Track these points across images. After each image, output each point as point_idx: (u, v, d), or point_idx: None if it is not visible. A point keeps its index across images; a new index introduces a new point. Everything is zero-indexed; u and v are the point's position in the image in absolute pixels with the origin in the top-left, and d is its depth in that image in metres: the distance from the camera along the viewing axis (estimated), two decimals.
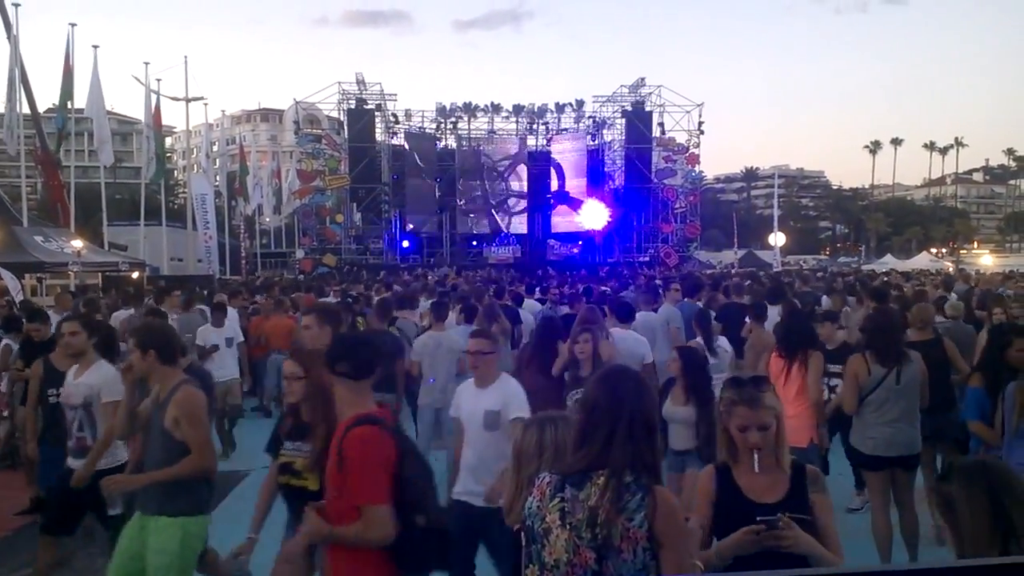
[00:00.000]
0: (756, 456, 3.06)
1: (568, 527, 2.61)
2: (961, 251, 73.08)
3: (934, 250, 64.47)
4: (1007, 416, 5.44)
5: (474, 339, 5.45)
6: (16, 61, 26.55)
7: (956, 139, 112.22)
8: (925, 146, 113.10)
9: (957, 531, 2.51)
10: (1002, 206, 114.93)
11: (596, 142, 49.66)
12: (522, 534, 2.80)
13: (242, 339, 11.40)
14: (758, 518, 2.85)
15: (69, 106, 29.50)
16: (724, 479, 3.17)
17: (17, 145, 27.20)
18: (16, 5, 26.99)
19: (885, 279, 22.06)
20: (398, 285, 19.51)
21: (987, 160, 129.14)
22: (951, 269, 38.93)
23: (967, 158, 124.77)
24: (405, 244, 47.54)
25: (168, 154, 43.52)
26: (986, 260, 48.52)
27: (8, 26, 27.00)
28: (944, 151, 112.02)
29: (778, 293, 11.67)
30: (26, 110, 27.98)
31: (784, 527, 2.82)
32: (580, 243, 48.81)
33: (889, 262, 48.87)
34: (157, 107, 34.11)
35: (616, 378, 2.86)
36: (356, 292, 17.55)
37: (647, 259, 44.49)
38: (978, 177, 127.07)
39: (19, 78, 26.63)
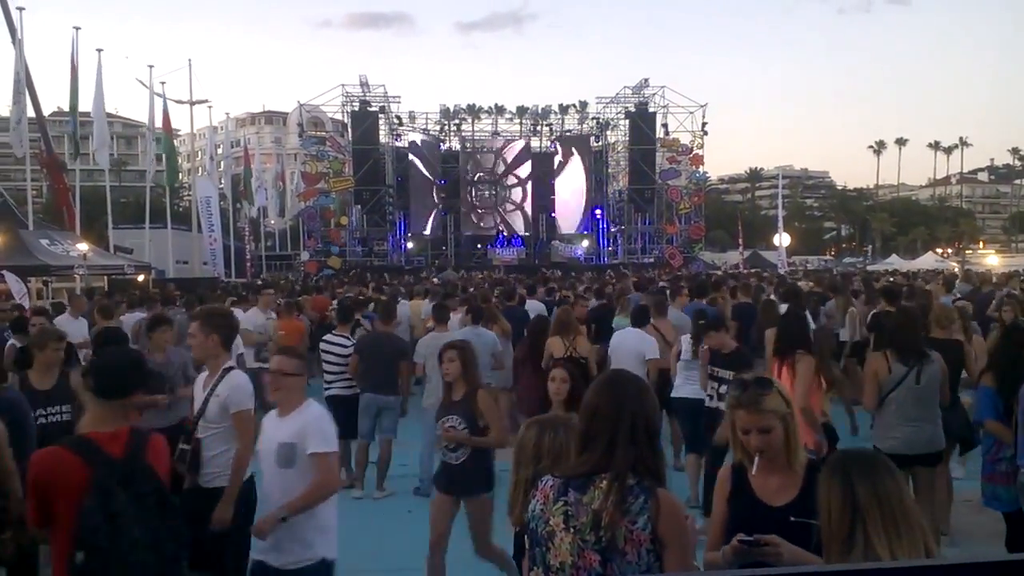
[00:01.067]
0: (757, 459, 3.06)
1: (572, 530, 2.63)
2: (967, 251, 72.83)
3: (939, 250, 64.21)
4: (1021, 418, 5.40)
5: (278, 357, 4.55)
6: (21, 65, 26.63)
7: (961, 139, 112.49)
8: (930, 146, 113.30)
9: (821, 515, 2.58)
10: (1007, 206, 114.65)
11: (600, 143, 49.71)
12: (525, 536, 2.82)
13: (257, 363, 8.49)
14: (738, 539, 2.84)
15: (78, 110, 29.61)
16: (738, 479, 3.18)
17: (23, 149, 27.27)
18: (20, 9, 27.09)
19: (890, 279, 22.03)
20: (403, 287, 19.50)
21: (992, 160, 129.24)
22: (956, 269, 38.80)
23: (972, 158, 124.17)
24: (410, 246, 47.65)
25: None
26: (992, 260, 48.35)
27: (12, 30, 27.08)
28: (949, 151, 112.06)
29: (793, 296, 11.78)
30: (31, 113, 28.06)
31: (765, 544, 2.81)
32: (584, 244, 48.88)
33: (894, 262, 48.70)
34: (165, 111, 34.22)
35: (617, 383, 2.87)
36: (355, 294, 17.51)
37: (652, 260, 44.51)
38: (983, 177, 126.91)
39: (24, 82, 26.71)
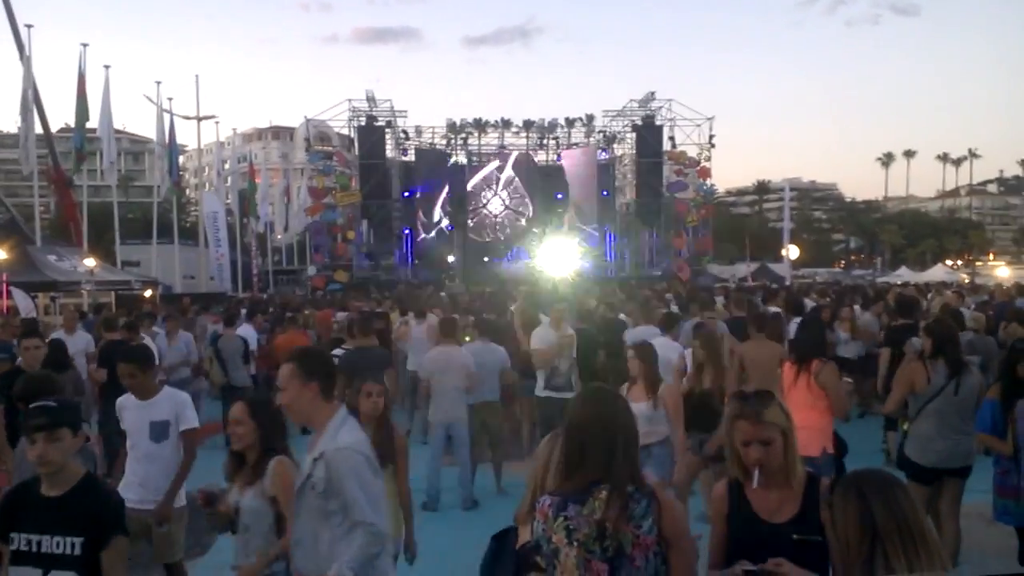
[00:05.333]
0: (757, 472, 3.02)
1: (575, 544, 2.66)
2: (976, 263, 72.60)
3: (949, 262, 64.00)
4: (1019, 433, 5.57)
5: None
6: (29, 82, 26.73)
7: (970, 150, 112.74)
8: (938, 158, 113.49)
9: (835, 535, 2.58)
10: (1017, 217, 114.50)
11: (607, 156, 49.71)
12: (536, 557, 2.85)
13: (194, 424, 5.57)
14: (743, 571, 2.80)
15: (86, 126, 29.67)
16: (736, 495, 3.14)
17: (31, 165, 27.36)
18: (29, 26, 27.23)
19: (900, 290, 21.87)
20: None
21: (1001, 171, 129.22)
22: (966, 281, 38.64)
23: (981, 170, 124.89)
24: (416, 260, 47.68)
25: (180, 172, 43.71)
26: (1002, 272, 48.14)
27: (20, 47, 27.22)
28: (958, 163, 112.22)
29: (797, 307, 11.73)
30: (39, 130, 28.15)
31: (774, 569, 2.76)
32: (591, 258, 48.80)
33: (904, 274, 48.54)
34: (171, 126, 34.32)
35: (604, 398, 2.96)
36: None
37: (659, 273, 44.39)
38: (992, 189, 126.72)
39: (32, 98, 26.81)
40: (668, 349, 8.71)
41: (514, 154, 49.42)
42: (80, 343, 11.05)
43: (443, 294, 26.34)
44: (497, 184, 49.28)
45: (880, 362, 9.44)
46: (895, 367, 7.37)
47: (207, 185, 49.47)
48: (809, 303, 12.47)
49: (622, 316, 12.59)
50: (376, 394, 5.00)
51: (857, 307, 13.81)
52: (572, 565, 2.65)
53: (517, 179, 49.36)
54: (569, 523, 2.67)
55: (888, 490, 2.52)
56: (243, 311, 16.84)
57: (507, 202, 49.55)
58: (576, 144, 49.84)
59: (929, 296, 19.36)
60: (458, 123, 48.11)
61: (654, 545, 2.64)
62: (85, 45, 29.12)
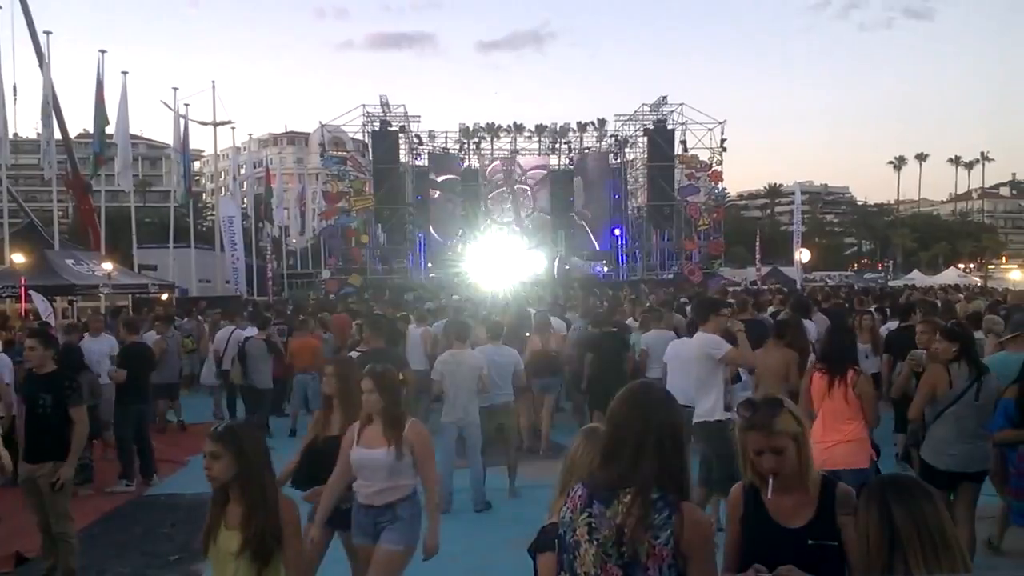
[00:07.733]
0: (771, 481, 2.99)
1: (595, 543, 2.65)
2: (989, 266, 72.14)
3: (961, 265, 63.62)
4: None
5: None
6: (48, 88, 27.04)
7: (982, 154, 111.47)
8: (950, 161, 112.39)
9: (858, 540, 2.58)
10: None
11: (618, 160, 49.77)
12: (555, 541, 2.86)
13: None
14: (756, 572, 2.78)
15: (105, 131, 29.96)
16: (751, 499, 3.11)
17: (52, 170, 27.66)
18: (47, 33, 27.53)
19: (910, 293, 21.88)
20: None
21: (1014, 175, 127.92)
22: (978, 284, 38.47)
23: (993, 173, 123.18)
24: (429, 264, 47.88)
25: (196, 177, 44.15)
26: (1015, 275, 47.91)
27: (40, 54, 27.53)
28: (970, 166, 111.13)
29: (804, 308, 11.75)
30: (58, 136, 28.44)
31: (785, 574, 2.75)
32: (604, 261, 48.87)
33: (916, 278, 48.33)
34: (186, 131, 34.63)
35: (643, 393, 2.87)
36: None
37: (671, 276, 44.40)
38: (1005, 192, 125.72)
39: (51, 104, 27.11)
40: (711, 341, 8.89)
41: (527, 159, 49.62)
42: (105, 346, 11.26)
43: (455, 296, 26.51)
44: (511, 188, 49.41)
45: (883, 369, 9.49)
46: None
47: (223, 190, 49.77)
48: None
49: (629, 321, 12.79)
50: (210, 456, 3.45)
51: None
52: (590, 562, 2.65)
53: (529, 183, 49.51)
54: (592, 521, 2.66)
55: (912, 497, 2.50)
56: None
57: (520, 206, 49.67)
58: (588, 148, 49.94)
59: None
60: (471, 128, 48.28)
61: (669, 558, 2.57)
62: (103, 51, 29.33)
